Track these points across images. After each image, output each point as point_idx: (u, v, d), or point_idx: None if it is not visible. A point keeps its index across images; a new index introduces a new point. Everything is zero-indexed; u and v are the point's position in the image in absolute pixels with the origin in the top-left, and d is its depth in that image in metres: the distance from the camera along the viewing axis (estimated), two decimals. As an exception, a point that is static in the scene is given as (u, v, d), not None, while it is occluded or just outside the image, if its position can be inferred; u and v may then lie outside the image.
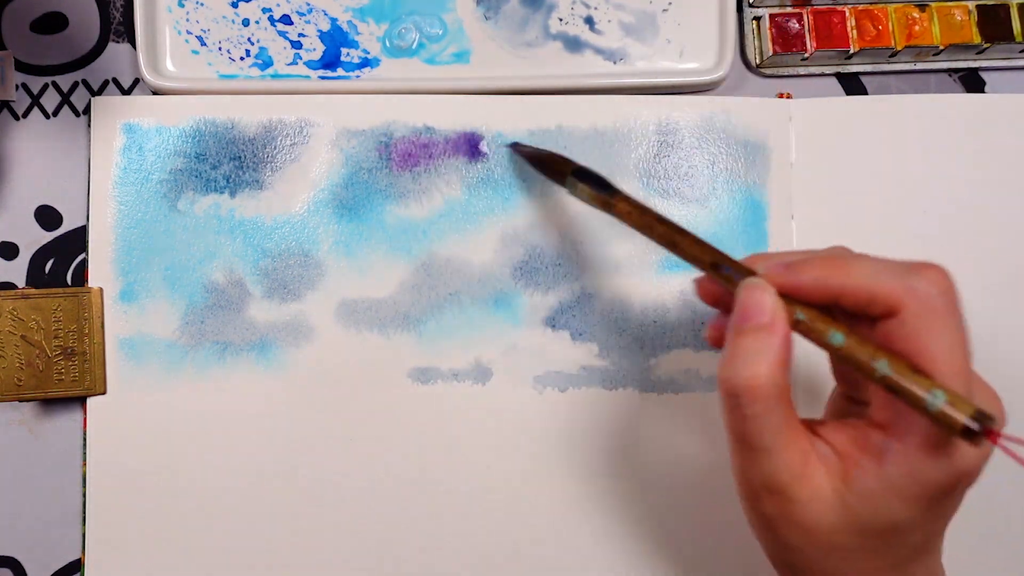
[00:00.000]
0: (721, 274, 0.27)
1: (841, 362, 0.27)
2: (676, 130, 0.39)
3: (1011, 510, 0.39)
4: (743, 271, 0.27)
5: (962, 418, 0.23)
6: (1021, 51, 0.41)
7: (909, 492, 0.24)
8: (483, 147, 0.39)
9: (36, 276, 0.39)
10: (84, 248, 0.39)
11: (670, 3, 0.40)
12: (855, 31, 0.40)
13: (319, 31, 0.40)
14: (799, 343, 0.26)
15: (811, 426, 0.27)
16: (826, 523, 0.25)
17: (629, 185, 0.39)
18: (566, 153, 0.38)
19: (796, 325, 0.26)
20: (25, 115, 0.39)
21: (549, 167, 0.36)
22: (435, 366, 0.39)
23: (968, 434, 0.23)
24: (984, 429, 0.22)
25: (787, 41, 0.40)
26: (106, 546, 0.38)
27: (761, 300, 0.26)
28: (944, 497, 0.25)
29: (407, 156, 0.39)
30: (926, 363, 0.24)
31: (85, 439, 0.38)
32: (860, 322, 0.26)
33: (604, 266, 0.39)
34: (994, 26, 0.40)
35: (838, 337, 0.25)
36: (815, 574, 0.27)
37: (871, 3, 0.41)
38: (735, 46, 0.40)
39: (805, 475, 0.25)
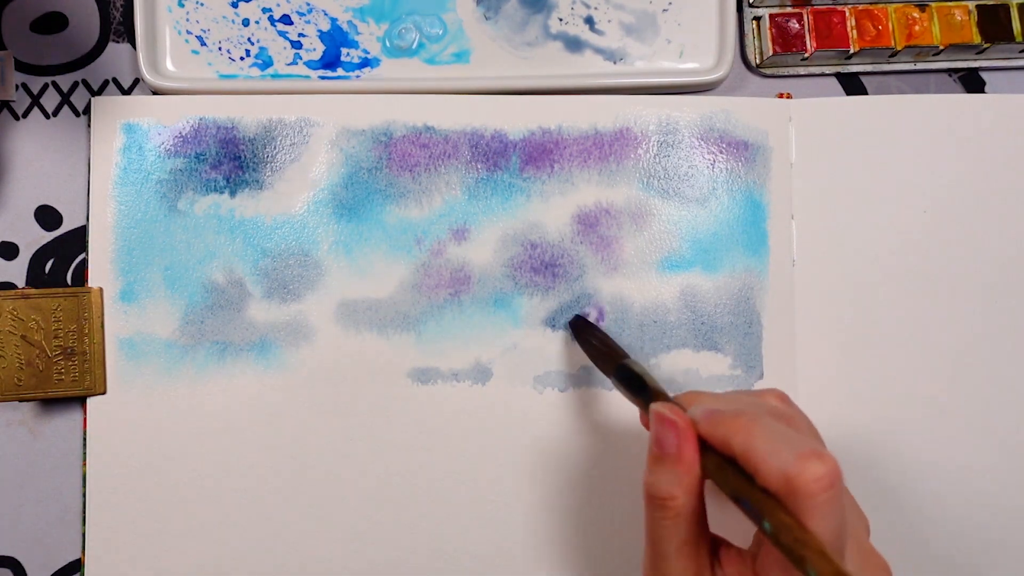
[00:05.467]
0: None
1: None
2: (676, 130, 0.39)
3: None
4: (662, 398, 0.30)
5: None
6: (1021, 51, 0.41)
7: None
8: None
9: (36, 276, 0.39)
10: (84, 248, 0.39)
11: (670, 3, 0.40)
12: (855, 31, 0.40)
13: (319, 31, 0.40)
14: None
15: (723, 550, 0.28)
16: None
17: (629, 185, 0.39)
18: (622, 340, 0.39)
19: (705, 470, 0.27)
20: (25, 115, 0.39)
21: (598, 356, 0.36)
22: (435, 366, 0.39)
23: None
24: None
25: (787, 41, 0.40)
26: (106, 546, 0.38)
27: (668, 436, 0.28)
28: None
29: (407, 156, 0.39)
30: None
31: (85, 439, 0.38)
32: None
33: (604, 266, 0.39)
34: (994, 26, 0.40)
35: (735, 492, 0.26)
36: None
37: (871, 3, 0.41)
38: (735, 46, 0.40)
39: None
